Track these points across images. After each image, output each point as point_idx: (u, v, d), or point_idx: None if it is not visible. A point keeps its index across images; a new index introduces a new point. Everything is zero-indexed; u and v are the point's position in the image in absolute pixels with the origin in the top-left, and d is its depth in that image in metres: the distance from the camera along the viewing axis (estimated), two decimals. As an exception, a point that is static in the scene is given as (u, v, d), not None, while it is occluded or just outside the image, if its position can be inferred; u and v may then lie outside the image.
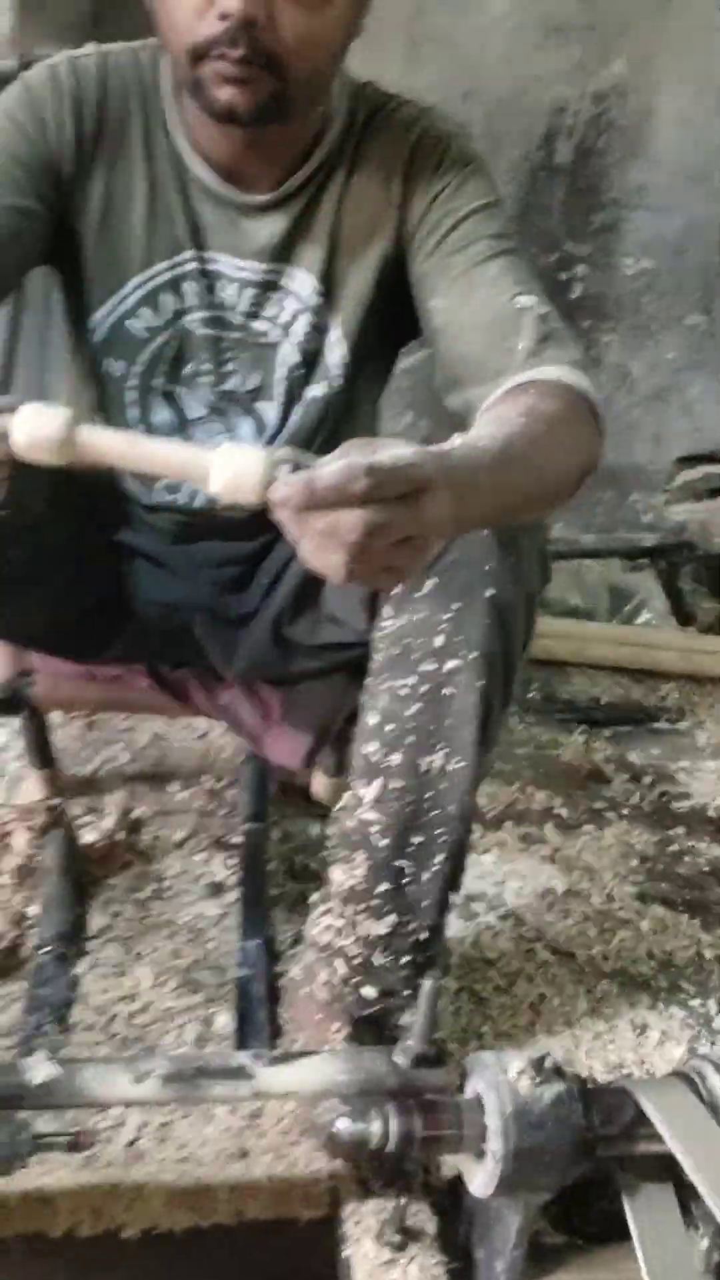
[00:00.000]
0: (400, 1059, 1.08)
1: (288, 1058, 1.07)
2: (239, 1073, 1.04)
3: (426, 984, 1.05)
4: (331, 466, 0.81)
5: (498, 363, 1.16)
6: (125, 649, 1.46)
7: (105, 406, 1.33)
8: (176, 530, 1.39)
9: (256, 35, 1.07)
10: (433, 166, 1.23)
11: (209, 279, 1.26)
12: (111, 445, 0.86)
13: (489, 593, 1.09)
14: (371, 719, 1.17)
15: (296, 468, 0.83)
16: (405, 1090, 1.06)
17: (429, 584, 1.11)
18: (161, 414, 1.32)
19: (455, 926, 1.60)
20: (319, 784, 1.78)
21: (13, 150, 1.21)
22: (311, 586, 1.35)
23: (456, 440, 0.95)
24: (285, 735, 1.53)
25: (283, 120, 1.15)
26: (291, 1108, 1.25)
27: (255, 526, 1.37)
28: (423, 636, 1.11)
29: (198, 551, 1.41)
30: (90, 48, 1.27)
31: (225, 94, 1.11)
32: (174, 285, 1.26)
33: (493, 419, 1.05)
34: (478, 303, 1.19)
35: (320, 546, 0.84)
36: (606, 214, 2.28)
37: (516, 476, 0.99)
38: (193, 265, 1.26)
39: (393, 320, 1.30)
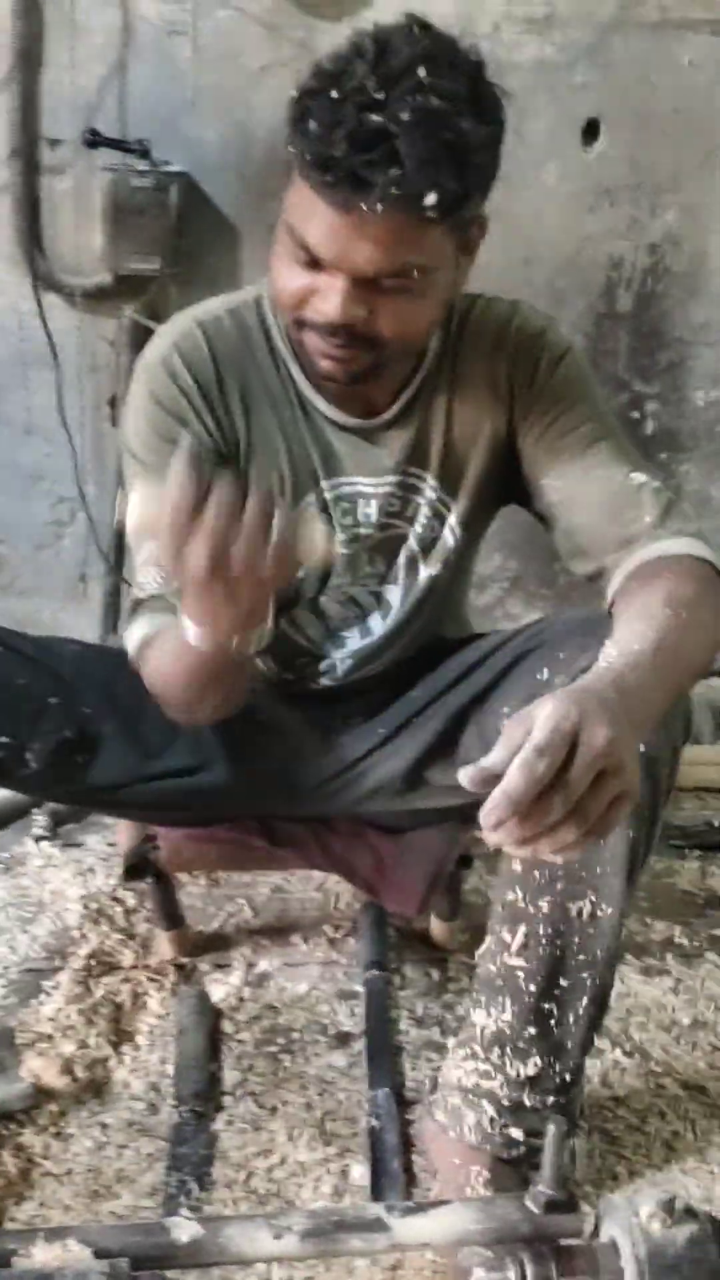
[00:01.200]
0: (532, 1205, 1.09)
1: (421, 1208, 1.09)
2: (375, 1225, 1.07)
3: (550, 1127, 1.07)
4: (512, 774, 0.87)
5: (624, 533, 1.25)
6: (236, 809, 1.53)
7: None
8: (307, 697, 1.47)
9: (354, 329, 1.15)
10: (531, 362, 1.31)
11: (349, 500, 1.35)
12: None
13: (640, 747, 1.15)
14: (515, 865, 1.22)
15: None
16: (539, 1236, 1.07)
17: None
18: (311, 627, 1.41)
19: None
20: (436, 928, 1.82)
21: None
22: (454, 731, 1.40)
23: (612, 651, 1.03)
24: (399, 882, 1.58)
25: (377, 380, 1.24)
26: (432, 1258, 1.26)
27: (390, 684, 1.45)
28: None
29: (318, 708, 1.48)
30: (185, 321, 1.31)
31: (324, 364, 1.20)
32: (321, 512, 1.34)
33: (638, 613, 1.11)
34: (595, 480, 1.28)
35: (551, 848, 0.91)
36: (672, 352, 2.37)
37: (673, 674, 1.06)
38: (331, 493, 1.34)
39: (498, 491, 1.39)
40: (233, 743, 1.44)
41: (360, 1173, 1.42)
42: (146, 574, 1.26)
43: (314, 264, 1.13)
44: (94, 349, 2.23)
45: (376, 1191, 1.38)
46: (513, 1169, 1.32)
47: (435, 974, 1.78)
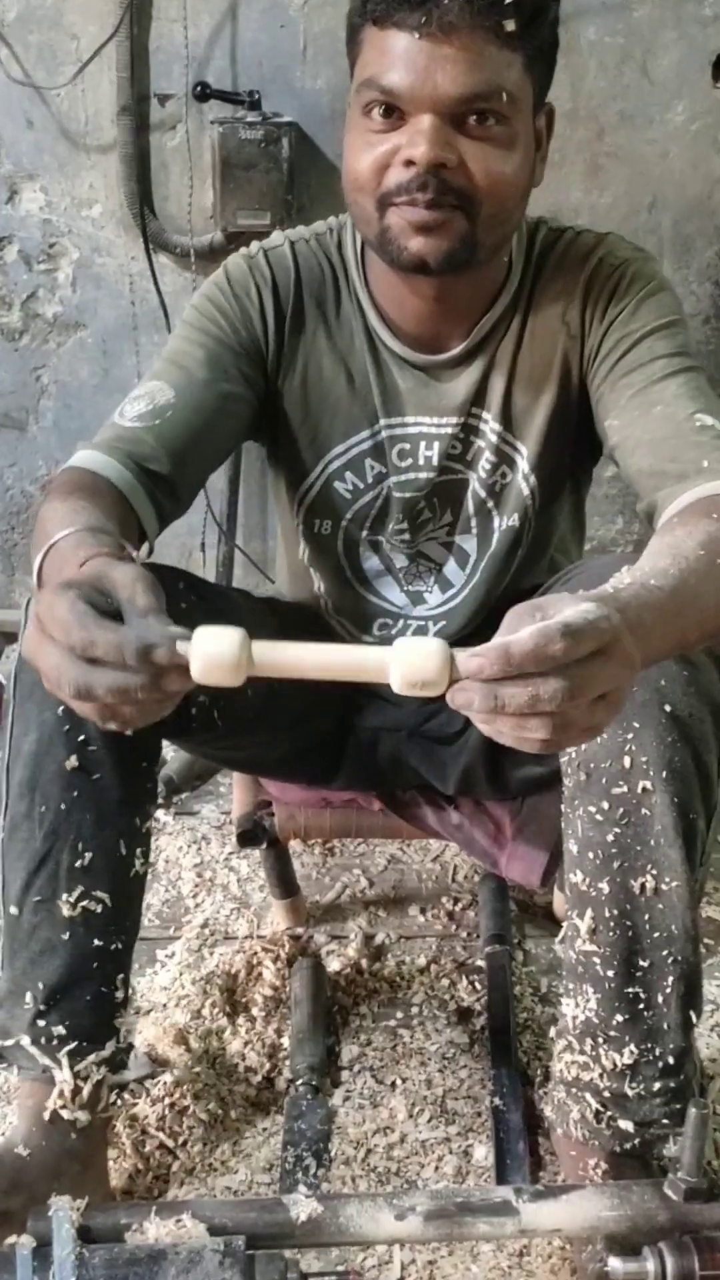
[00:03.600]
0: (671, 1193, 1.03)
1: (552, 1192, 1.04)
2: (503, 1209, 1.02)
3: (692, 1112, 1.00)
4: (525, 631, 0.78)
5: (678, 471, 1.13)
6: (352, 775, 1.49)
7: (316, 559, 1.39)
8: None
9: (445, 177, 1.10)
10: (609, 293, 1.24)
11: (408, 441, 1.30)
12: (286, 658, 0.84)
13: (666, 708, 1.07)
14: (573, 847, 1.15)
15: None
16: (679, 1226, 1.01)
17: None
18: (370, 560, 1.37)
19: (715, 1045, 1.53)
20: (559, 902, 1.75)
21: (221, 338, 1.26)
22: None
23: (626, 578, 0.93)
24: (520, 853, 1.51)
25: (472, 266, 1.17)
26: (560, 1244, 1.20)
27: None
28: (609, 760, 1.09)
29: None
30: (278, 237, 1.32)
31: (415, 244, 1.13)
32: (376, 451, 1.31)
33: (668, 548, 0.99)
34: (655, 419, 1.17)
35: (519, 724, 0.80)
36: None
37: (691, 614, 0.94)
38: (388, 432, 1.30)
39: (581, 442, 1.30)
40: (346, 700, 1.42)
41: (484, 1153, 1.36)
42: (135, 405, 1.22)
43: (395, 118, 1.11)
44: (204, 311, 2.19)
45: (501, 1174, 1.33)
46: (635, 1161, 1.24)
47: (560, 950, 1.71)
